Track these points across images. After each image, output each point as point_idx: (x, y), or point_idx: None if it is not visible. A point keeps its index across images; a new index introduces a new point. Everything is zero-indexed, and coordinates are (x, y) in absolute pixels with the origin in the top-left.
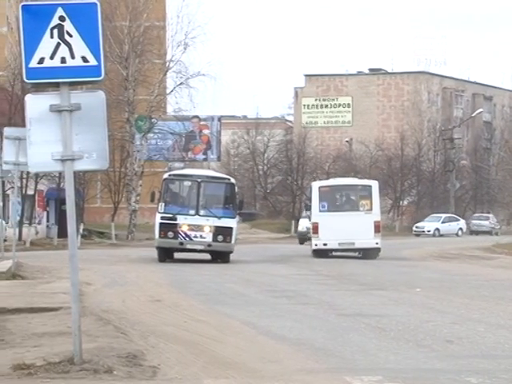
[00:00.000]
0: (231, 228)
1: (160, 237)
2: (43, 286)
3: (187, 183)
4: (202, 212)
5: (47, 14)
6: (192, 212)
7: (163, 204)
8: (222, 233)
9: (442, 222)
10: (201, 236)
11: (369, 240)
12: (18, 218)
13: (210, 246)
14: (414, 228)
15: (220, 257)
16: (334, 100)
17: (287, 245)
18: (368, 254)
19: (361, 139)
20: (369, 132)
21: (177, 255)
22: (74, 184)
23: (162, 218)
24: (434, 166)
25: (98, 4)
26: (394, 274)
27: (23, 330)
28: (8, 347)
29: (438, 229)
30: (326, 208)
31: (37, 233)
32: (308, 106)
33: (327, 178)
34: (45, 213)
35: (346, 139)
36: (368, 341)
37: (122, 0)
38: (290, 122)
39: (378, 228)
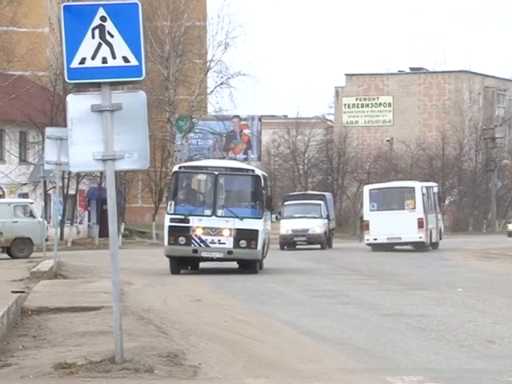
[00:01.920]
0: (257, 231)
1: (169, 243)
2: (85, 285)
3: (202, 177)
4: (219, 212)
5: (89, 14)
6: (208, 212)
7: (173, 203)
8: (246, 237)
9: None
10: (219, 241)
11: (413, 235)
12: (60, 218)
13: (230, 253)
14: None
15: (245, 266)
16: (374, 99)
17: None
18: (418, 246)
19: (402, 138)
20: (410, 131)
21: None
22: (115, 184)
23: (172, 220)
24: (475, 165)
25: (140, 4)
26: (435, 274)
27: (65, 329)
28: (50, 346)
29: None
30: (376, 207)
31: (78, 232)
32: (349, 105)
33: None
34: (86, 212)
35: (387, 138)
36: (409, 341)
37: (163, 0)
38: (331, 121)
39: (421, 224)
